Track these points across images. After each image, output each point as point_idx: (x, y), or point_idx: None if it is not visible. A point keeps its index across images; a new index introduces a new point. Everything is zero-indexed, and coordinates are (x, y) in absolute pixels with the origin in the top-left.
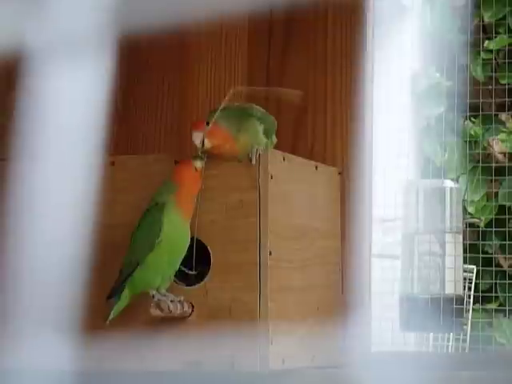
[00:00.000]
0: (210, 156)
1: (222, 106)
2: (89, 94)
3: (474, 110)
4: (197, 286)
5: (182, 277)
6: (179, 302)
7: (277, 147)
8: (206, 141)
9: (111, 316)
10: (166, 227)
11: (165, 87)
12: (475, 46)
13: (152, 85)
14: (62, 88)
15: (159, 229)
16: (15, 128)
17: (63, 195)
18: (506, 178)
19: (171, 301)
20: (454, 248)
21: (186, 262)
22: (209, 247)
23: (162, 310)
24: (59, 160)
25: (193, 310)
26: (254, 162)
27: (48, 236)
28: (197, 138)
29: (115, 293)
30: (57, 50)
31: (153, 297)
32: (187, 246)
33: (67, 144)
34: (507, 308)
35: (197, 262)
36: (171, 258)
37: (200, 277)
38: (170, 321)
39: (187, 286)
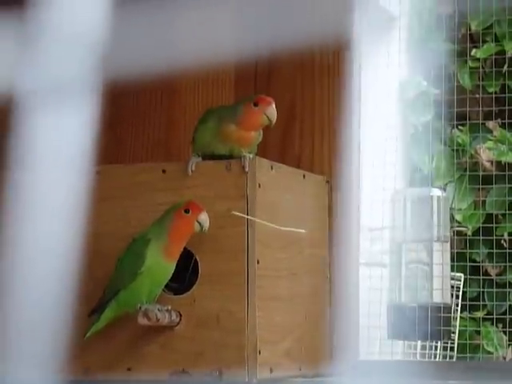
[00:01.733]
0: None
1: None
2: (75, 136)
3: (461, 119)
4: (185, 294)
5: (169, 286)
6: (167, 310)
7: (265, 156)
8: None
9: (89, 333)
10: (148, 261)
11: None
12: (462, 55)
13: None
14: (49, 130)
15: (142, 261)
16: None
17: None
18: (494, 186)
19: (159, 310)
20: (441, 256)
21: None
22: (197, 256)
23: (149, 318)
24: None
25: (180, 319)
26: (247, 169)
27: (36, 246)
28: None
29: (96, 311)
30: (46, 94)
31: (139, 307)
32: (166, 281)
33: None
34: (495, 316)
35: (185, 271)
36: (153, 286)
37: (188, 286)
38: (158, 330)
39: (175, 294)
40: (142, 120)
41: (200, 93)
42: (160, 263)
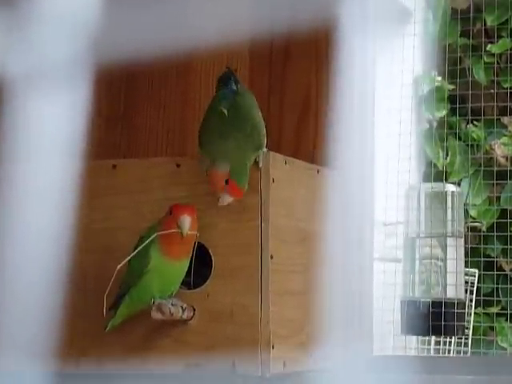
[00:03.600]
0: None
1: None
2: (67, 121)
3: (476, 114)
4: (198, 289)
5: (183, 280)
6: (181, 306)
7: (279, 151)
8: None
9: (109, 327)
10: (152, 260)
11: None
12: (477, 50)
13: (153, 93)
14: (41, 115)
15: (147, 260)
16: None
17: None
18: (508, 181)
19: (172, 304)
20: (455, 252)
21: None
22: (210, 250)
23: (163, 313)
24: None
25: (194, 314)
26: (261, 165)
27: (28, 239)
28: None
29: (114, 306)
30: (37, 77)
31: (153, 302)
32: (181, 277)
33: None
34: (509, 312)
35: (199, 265)
36: (164, 284)
37: (202, 280)
38: (172, 324)
39: (189, 289)
40: (156, 107)
41: (215, 73)
42: (164, 262)
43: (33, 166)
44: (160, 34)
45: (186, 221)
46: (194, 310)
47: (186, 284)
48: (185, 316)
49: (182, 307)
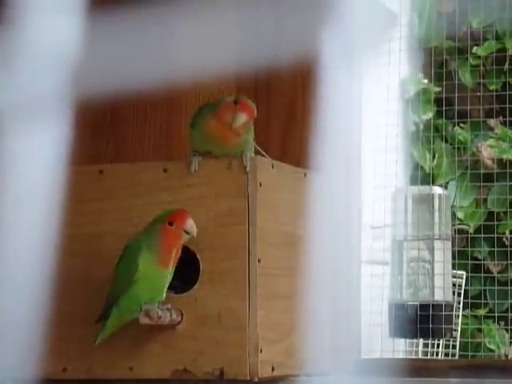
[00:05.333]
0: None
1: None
2: (49, 151)
3: (462, 116)
4: (186, 293)
5: (171, 284)
6: (168, 309)
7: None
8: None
9: (99, 340)
10: (141, 268)
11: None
12: (463, 53)
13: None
14: (25, 145)
15: (135, 268)
16: None
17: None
18: (495, 184)
19: (160, 309)
20: (443, 254)
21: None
22: (198, 254)
23: (151, 318)
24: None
25: (182, 318)
26: (248, 168)
27: (16, 251)
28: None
29: (102, 318)
30: (21, 109)
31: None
32: (166, 286)
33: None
34: (496, 314)
35: (186, 269)
36: (153, 293)
37: (189, 284)
38: (159, 329)
39: (176, 293)
40: (142, 123)
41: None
42: (154, 271)
43: (20, 175)
44: (147, 68)
45: (193, 224)
46: (182, 314)
47: (173, 288)
48: (173, 320)
49: (169, 311)
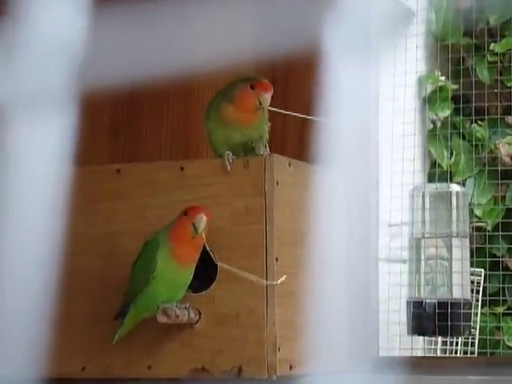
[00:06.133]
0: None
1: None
2: (54, 146)
3: (480, 113)
4: (204, 292)
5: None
6: (186, 308)
7: (282, 153)
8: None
9: (116, 337)
10: (159, 265)
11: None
12: (481, 49)
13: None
14: (28, 141)
15: (154, 265)
16: None
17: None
18: None
19: (178, 308)
20: (460, 252)
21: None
22: (215, 254)
23: (169, 316)
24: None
25: (200, 317)
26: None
27: (18, 250)
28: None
29: (120, 315)
30: (24, 104)
31: (158, 306)
32: (187, 284)
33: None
34: None
35: (204, 268)
36: (171, 291)
37: (207, 283)
38: (177, 328)
39: (194, 292)
40: (159, 121)
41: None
42: (172, 268)
43: (30, 174)
44: (162, 60)
45: (203, 220)
46: (200, 313)
47: (191, 287)
48: (191, 319)
49: (187, 310)
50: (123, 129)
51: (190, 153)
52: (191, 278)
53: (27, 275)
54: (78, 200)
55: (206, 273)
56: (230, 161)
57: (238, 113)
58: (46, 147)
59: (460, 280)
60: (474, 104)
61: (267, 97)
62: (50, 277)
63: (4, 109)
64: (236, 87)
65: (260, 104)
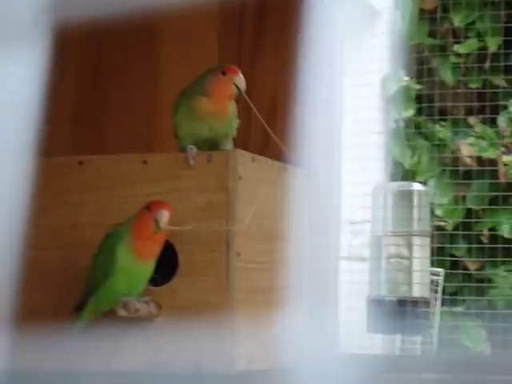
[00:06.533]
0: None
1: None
2: (22, 85)
3: (442, 114)
4: (164, 286)
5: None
6: (146, 302)
7: (246, 149)
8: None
9: (74, 330)
10: (120, 259)
11: (134, 76)
12: (444, 50)
13: (121, 76)
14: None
15: (113, 259)
16: None
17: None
18: (474, 181)
19: (138, 301)
20: (421, 251)
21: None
22: (176, 247)
23: (128, 310)
24: None
25: (160, 311)
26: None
27: None
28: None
29: (79, 308)
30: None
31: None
32: (147, 278)
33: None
34: (474, 311)
35: (164, 262)
36: (131, 284)
37: (167, 277)
38: (137, 321)
39: (154, 286)
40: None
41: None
42: (132, 262)
43: None
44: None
45: (165, 215)
46: (160, 307)
47: (152, 281)
48: (151, 313)
49: (147, 303)
50: (87, 116)
51: (154, 145)
52: (152, 272)
53: None
54: (40, 191)
55: (167, 266)
56: (194, 155)
57: (213, 104)
58: (16, 86)
59: (420, 279)
60: (436, 104)
61: (241, 78)
62: (10, 269)
63: None
64: (207, 78)
65: (237, 88)
